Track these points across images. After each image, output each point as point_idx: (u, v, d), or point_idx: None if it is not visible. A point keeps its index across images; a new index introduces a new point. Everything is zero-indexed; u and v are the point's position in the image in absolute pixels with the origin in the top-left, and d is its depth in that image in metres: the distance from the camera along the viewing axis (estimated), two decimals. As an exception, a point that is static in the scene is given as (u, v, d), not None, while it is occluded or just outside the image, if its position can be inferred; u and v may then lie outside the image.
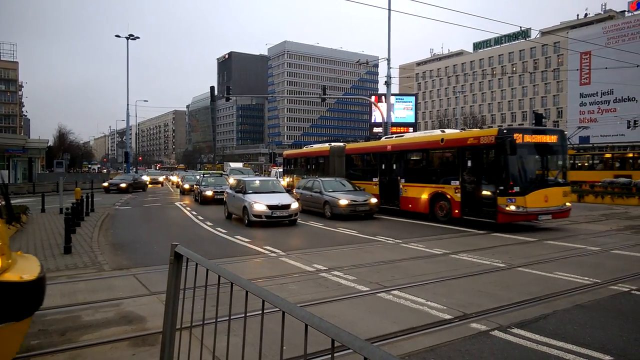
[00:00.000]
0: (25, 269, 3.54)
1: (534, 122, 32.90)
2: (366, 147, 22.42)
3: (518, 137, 13.54)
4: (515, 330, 5.26)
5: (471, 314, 5.88)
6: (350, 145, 23.89)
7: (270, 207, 14.88)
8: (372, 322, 5.63)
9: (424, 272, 8.36)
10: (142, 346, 4.92)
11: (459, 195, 14.91)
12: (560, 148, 14.75)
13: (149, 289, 7.31)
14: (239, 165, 68.81)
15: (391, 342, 5.02)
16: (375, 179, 19.54)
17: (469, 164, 14.71)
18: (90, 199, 19.32)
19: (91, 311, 6.01)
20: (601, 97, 77.39)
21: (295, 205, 15.38)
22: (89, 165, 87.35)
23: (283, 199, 15.62)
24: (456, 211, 14.96)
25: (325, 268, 8.66)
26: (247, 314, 2.50)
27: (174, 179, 50.61)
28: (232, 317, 2.80)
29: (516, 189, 13.39)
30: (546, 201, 13.73)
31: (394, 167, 18.51)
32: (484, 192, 14.00)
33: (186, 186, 32.59)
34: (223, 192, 21.62)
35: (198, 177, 34.57)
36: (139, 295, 6.95)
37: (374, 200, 17.25)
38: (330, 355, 1.81)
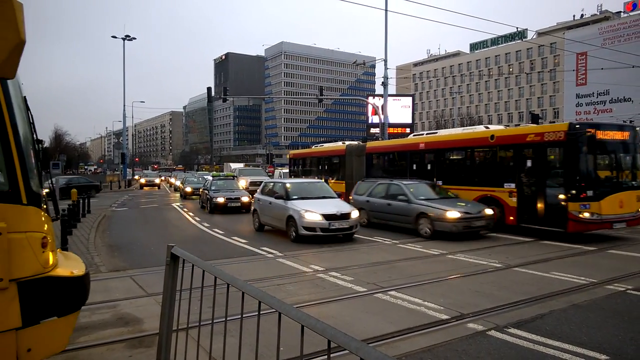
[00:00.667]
0: (73, 264, 3.73)
1: (530, 122, 32.96)
2: (392, 145, 20.22)
3: (592, 133, 11.87)
4: (512, 330, 5.27)
5: (468, 314, 5.89)
6: (372, 144, 21.71)
7: (326, 216, 11.67)
8: (369, 323, 5.63)
9: (420, 272, 8.37)
10: (139, 348, 4.91)
11: (514, 199, 13.13)
12: (632, 146, 13.00)
13: (146, 290, 7.29)
14: (240, 165, 64.98)
15: (388, 342, 5.02)
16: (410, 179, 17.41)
17: (529, 164, 12.97)
18: (86, 201, 19.27)
19: (87, 313, 5.99)
20: (597, 97, 77.74)
21: (355, 214, 12.29)
22: (86, 167, 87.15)
23: (340, 206, 12.53)
24: (511, 217, 13.20)
25: (322, 269, 8.67)
26: (244, 315, 2.49)
27: (174, 181, 47.61)
28: (228, 319, 2.80)
29: (589, 193, 11.61)
30: (621, 207, 12.00)
31: (429, 167, 16.56)
32: (550, 197, 12.17)
33: (188, 189, 29.61)
34: (238, 198, 19.90)
35: (195, 178, 33.38)
36: (135, 297, 6.93)
37: (489, 211, 12.79)
38: (326, 356, 1.81)
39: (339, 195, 15.01)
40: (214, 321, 2.90)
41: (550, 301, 6.48)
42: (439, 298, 6.60)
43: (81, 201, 17.71)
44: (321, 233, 11.65)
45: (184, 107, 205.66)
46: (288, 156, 30.75)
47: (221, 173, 30.15)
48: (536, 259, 9.53)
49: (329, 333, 1.67)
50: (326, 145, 26.59)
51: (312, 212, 11.73)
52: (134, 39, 49.23)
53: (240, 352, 2.47)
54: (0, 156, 3.00)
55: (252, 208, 15.16)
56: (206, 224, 16.18)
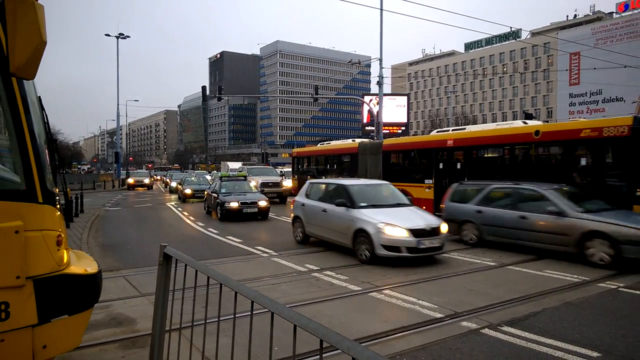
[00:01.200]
0: (86, 262, 3.80)
1: (524, 122, 33.08)
2: (414, 142, 18.50)
3: None
4: (506, 328, 5.30)
5: (462, 312, 5.92)
6: (390, 141, 19.92)
7: (414, 232, 8.84)
8: (364, 322, 5.64)
9: (414, 272, 8.38)
10: (132, 348, 4.90)
11: None
12: None
13: (139, 290, 7.27)
14: (238, 165, 57.53)
15: (382, 341, 5.04)
16: (429, 181, 15.87)
17: (583, 162, 11.87)
18: (79, 200, 19.17)
19: (81, 313, 5.96)
20: (590, 97, 78.11)
21: (445, 227, 9.59)
22: (79, 166, 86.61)
23: (426, 217, 9.77)
24: None
25: (317, 268, 8.67)
26: (237, 315, 2.49)
27: (175, 184, 38.10)
28: (222, 318, 2.79)
29: None
30: None
31: (458, 166, 15.01)
32: (610, 198, 10.68)
33: (188, 191, 26.08)
34: (254, 203, 17.03)
35: (195, 178, 30.89)
36: (129, 297, 6.91)
37: None
38: (319, 356, 1.81)
39: None
40: (207, 321, 2.89)
41: (544, 299, 6.52)
42: (433, 297, 6.62)
43: (74, 200, 17.60)
44: (408, 255, 8.79)
45: (179, 106, 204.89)
46: (292, 154, 28.78)
47: (231, 172, 25.54)
48: (529, 257, 9.57)
49: (321, 332, 1.67)
50: (334, 142, 25.15)
51: (394, 227, 8.90)
52: (128, 37, 49.03)
53: (233, 352, 2.47)
54: (17, 156, 3.05)
55: (292, 215, 12.47)
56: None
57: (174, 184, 35.39)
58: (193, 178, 30.88)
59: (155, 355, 3.26)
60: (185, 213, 20.00)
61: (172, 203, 25.38)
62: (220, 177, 19.86)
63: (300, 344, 3.04)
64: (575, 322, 5.56)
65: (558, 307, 6.14)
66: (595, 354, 4.57)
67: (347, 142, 22.86)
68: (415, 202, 14.48)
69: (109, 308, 6.27)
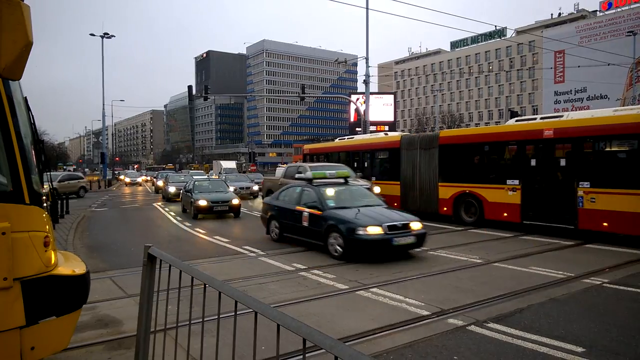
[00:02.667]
0: (73, 263, 3.80)
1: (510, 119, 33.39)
2: (489, 133, 14.68)
3: None
4: (492, 325, 5.34)
5: (448, 309, 5.95)
6: (451, 132, 17.29)
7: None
8: (350, 320, 5.65)
9: (401, 269, 8.41)
10: (118, 349, 4.85)
11: None
12: None
13: (125, 291, 7.20)
14: (232, 164, 56.13)
15: (369, 339, 5.05)
16: (512, 182, 12.94)
17: None
18: (65, 201, 18.94)
19: (65, 315, 5.88)
20: (575, 94, 79.19)
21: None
22: (64, 167, 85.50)
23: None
24: None
25: (304, 267, 8.67)
26: (222, 315, 2.48)
27: (162, 184, 33.01)
28: (207, 319, 2.78)
29: None
30: None
31: (562, 164, 11.95)
32: None
33: (202, 203, 17.25)
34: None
35: (183, 177, 28.06)
36: (115, 298, 6.85)
37: None
38: (302, 356, 1.80)
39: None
40: (193, 321, 2.88)
41: (529, 295, 6.58)
42: (420, 294, 6.65)
43: (59, 202, 17.38)
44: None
45: (165, 106, 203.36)
46: (303, 151, 24.54)
47: (235, 174, 24.51)
48: (515, 254, 9.67)
49: (303, 331, 1.67)
50: (363, 136, 21.55)
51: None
52: (113, 36, 48.52)
53: (217, 352, 2.46)
54: (4, 157, 3.04)
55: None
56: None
57: (172, 189, 26.04)
58: (206, 183, 20.29)
59: (141, 356, 3.24)
60: (172, 213, 19.71)
61: (159, 203, 25.15)
62: (311, 180, 11.35)
63: (288, 344, 3.05)
64: (561, 318, 5.62)
65: (543, 304, 6.20)
66: (580, 349, 4.62)
67: (379, 136, 19.42)
68: (491, 207, 13.42)
69: (95, 309, 6.20)
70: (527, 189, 12.65)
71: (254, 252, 10.52)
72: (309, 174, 11.62)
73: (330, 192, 10.77)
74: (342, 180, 11.74)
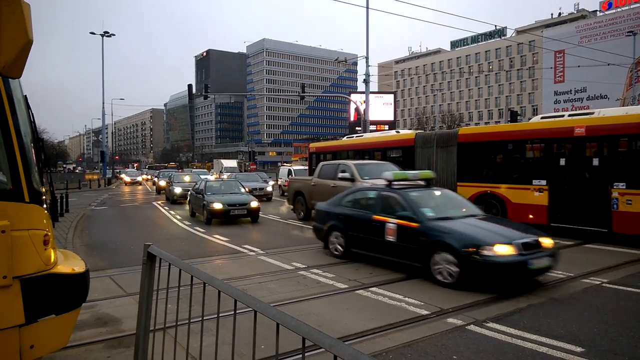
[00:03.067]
0: (73, 262, 3.81)
1: (509, 119, 33.46)
2: (513, 131, 13.78)
3: None
4: (491, 325, 5.34)
5: (448, 309, 5.95)
6: (471, 130, 16.21)
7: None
8: (350, 320, 5.65)
9: (401, 269, 8.40)
10: (118, 348, 4.86)
11: None
12: None
13: (125, 290, 7.21)
14: (233, 162, 54.61)
15: (369, 338, 5.05)
16: (539, 182, 12.24)
17: None
18: (65, 199, 18.93)
19: (65, 314, 5.88)
20: (575, 94, 79.14)
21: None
22: (64, 165, 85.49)
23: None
24: None
25: (304, 266, 8.67)
26: (221, 314, 2.48)
27: (163, 184, 29.70)
28: (206, 317, 2.78)
29: None
30: None
31: (594, 163, 11.30)
32: None
33: (217, 206, 15.27)
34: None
35: (188, 177, 25.43)
36: (114, 297, 6.85)
37: None
38: (301, 355, 1.80)
39: None
40: (192, 320, 2.88)
41: (529, 295, 6.58)
42: (419, 294, 6.65)
43: (59, 200, 17.37)
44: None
45: (165, 105, 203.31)
46: (309, 150, 23.36)
47: (241, 174, 22.81)
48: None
49: (303, 330, 1.67)
50: (371, 134, 20.66)
51: None
52: (113, 35, 48.51)
53: (217, 351, 2.46)
54: (3, 155, 3.04)
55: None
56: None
57: (177, 190, 23.32)
58: (217, 185, 17.99)
59: (140, 355, 3.24)
60: (172, 212, 19.66)
61: (162, 204, 25.08)
62: (391, 182, 9.23)
63: (287, 342, 3.04)
64: (560, 317, 5.63)
65: (543, 303, 6.21)
66: (579, 349, 4.63)
67: (391, 134, 18.61)
68: (514, 208, 12.65)
69: (94, 308, 6.20)
70: (555, 190, 11.97)
71: (253, 250, 10.52)
72: (357, 175, 10.70)
73: (422, 198, 8.61)
74: (423, 183, 9.50)
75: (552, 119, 13.01)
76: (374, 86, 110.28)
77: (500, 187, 13.25)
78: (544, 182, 12.21)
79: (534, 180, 12.41)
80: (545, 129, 12.52)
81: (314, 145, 23.33)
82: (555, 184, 12.00)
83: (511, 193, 12.95)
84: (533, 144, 12.85)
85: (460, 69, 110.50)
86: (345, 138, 22.59)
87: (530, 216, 12.27)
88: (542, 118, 13.80)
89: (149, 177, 56.74)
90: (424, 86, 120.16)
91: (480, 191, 13.77)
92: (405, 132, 18.45)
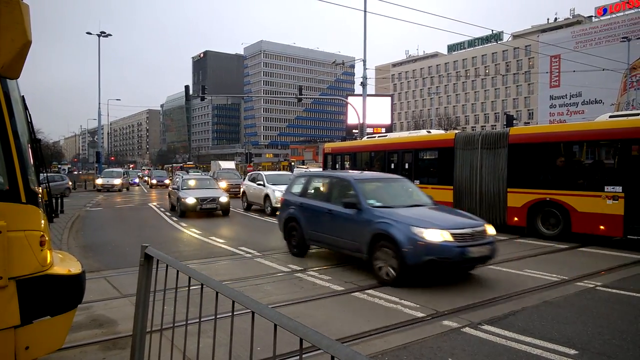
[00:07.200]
0: (69, 263, 3.80)
1: (505, 123, 33.56)
2: (579, 131, 11.97)
3: None
4: (486, 327, 5.37)
5: (443, 311, 5.98)
6: (524, 130, 14.48)
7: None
8: (346, 322, 5.66)
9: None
10: (113, 350, 4.85)
11: None
12: None
13: (120, 291, 7.19)
14: (231, 164, 55.53)
15: (365, 340, 5.07)
16: (613, 189, 10.71)
17: None
18: (60, 200, 18.86)
19: (60, 315, 5.87)
20: (570, 99, 79.52)
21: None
22: (59, 166, 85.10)
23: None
24: None
25: (300, 268, 8.67)
26: (219, 316, 2.49)
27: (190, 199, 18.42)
28: (203, 319, 2.78)
29: None
30: None
31: None
32: None
33: (190, 201, 17.06)
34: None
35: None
36: (110, 298, 6.83)
37: None
38: (299, 356, 1.82)
39: None
40: (189, 322, 2.89)
41: (523, 298, 6.62)
42: (415, 296, 6.68)
43: (54, 201, 17.31)
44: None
45: (162, 106, 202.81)
46: (324, 151, 21.80)
47: (246, 174, 22.53)
48: (510, 257, 9.71)
49: (301, 331, 1.68)
50: (397, 134, 19.39)
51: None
52: (109, 35, 48.35)
53: (214, 352, 2.47)
54: (0, 155, 3.03)
55: None
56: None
57: (191, 201, 17.46)
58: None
59: (137, 357, 3.24)
60: (168, 214, 19.62)
61: (154, 203, 24.97)
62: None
63: (283, 344, 3.05)
64: (554, 320, 5.66)
65: (537, 306, 6.24)
66: (572, 352, 4.66)
67: (422, 134, 17.34)
68: (580, 217, 11.23)
69: (89, 309, 6.19)
70: (632, 198, 10.40)
71: (249, 252, 10.52)
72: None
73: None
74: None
75: (624, 119, 11.46)
76: (371, 89, 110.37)
77: (563, 194, 11.70)
78: (619, 188, 10.67)
79: (606, 187, 10.88)
80: (620, 129, 10.95)
81: (329, 145, 21.96)
82: (632, 191, 10.46)
83: (576, 201, 11.40)
84: (604, 146, 11.60)
85: (457, 72, 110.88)
86: (365, 138, 21.35)
87: (602, 227, 10.85)
88: (610, 117, 12.32)
89: (146, 178, 53.19)
90: (421, 89, 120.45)
91: (538, 198, 12.28)
92: (439, 132, 17.49)
